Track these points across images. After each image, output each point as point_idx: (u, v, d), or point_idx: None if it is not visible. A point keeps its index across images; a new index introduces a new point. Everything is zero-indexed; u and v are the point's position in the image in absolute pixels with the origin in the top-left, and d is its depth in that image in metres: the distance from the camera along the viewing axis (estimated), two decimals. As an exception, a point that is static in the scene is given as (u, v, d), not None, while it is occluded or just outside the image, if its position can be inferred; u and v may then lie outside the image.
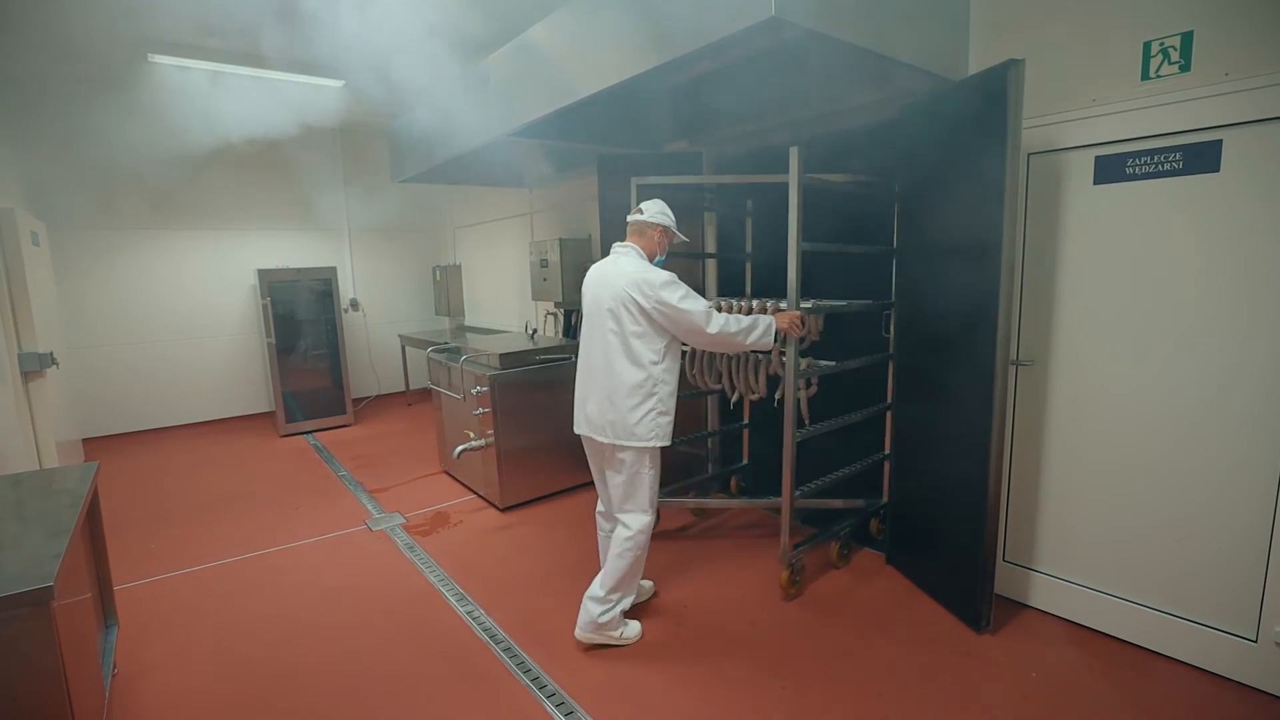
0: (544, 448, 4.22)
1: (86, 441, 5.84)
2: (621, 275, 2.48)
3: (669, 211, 2.65)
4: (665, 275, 2.45)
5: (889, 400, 3.16)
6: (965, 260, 2.58)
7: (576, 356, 4.24)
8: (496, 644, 2.66)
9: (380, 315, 7.43)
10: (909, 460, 3.06)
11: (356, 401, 7.04)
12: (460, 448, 4.10)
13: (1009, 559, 2.84)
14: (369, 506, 4.26)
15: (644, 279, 2.43)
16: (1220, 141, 2.12)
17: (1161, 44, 2.20)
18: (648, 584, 2.98)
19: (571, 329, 5.10)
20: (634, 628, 2.67)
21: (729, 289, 3.95)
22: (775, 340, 2.61)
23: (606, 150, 4.05)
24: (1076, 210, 2.48)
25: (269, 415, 6.77)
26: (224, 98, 5.28)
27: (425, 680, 2.46)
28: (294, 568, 3.42)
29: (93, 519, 2.44)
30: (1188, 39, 2.15)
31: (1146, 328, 2.35)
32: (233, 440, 6.08)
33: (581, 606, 2.60)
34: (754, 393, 3.10)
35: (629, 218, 2.68)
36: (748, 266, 3.90)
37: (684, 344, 2.64)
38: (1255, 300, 2.11)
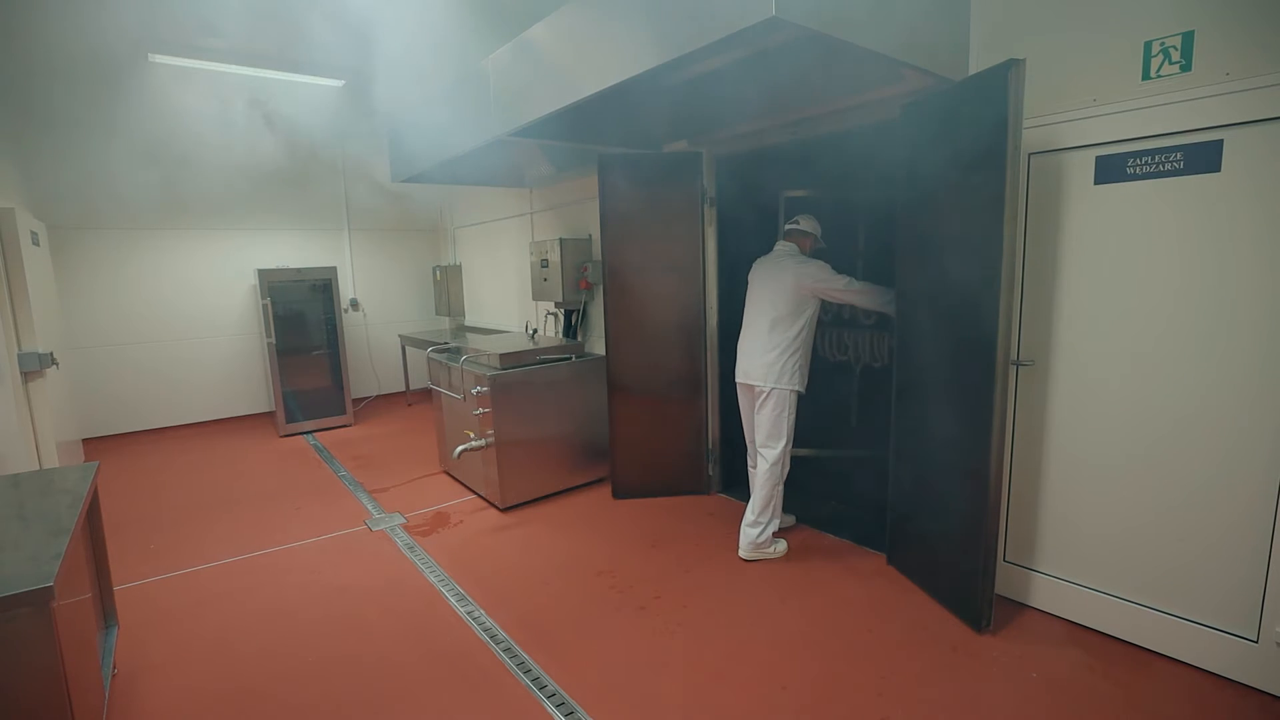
0: (544, 448, 4.22)
1: (86, 441, 5.84)
2: (787, 266, 3.28)
3: (818, 224, 3.44)
4: (819, 261, 3.29)
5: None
6: (966, 260, 2.58)
7: (575, 357, 4.31)
8: (497, 644, 2.66)
9: (380, 315, 7.43)
10: (910, 460, 3.06)
11: (356, 401, 7.03)
12: (460, 448, 4.10)
13: (1009, 559, 2.84)
14: (369, 506, 4.26)
15: (806, 269, 3.25)
16: (1221, 141, 2.12)
17: (1162, 44, 2.20)
18: (790, 517, 3.69)
19: (572, 329, 5.10)
20: (783, 545, 3.39)
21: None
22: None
23: (606, 150, 4.05)
24: (1077, 210, 2.47)
25: (269, 415, 6.77)
26: (224, 97, 5.29)
27: (425, 680, 2.46)
28: (294, 568, 3.41)
29: (93, 519, 2.44)
30: (1189, 39, 2.14)
31: (1147, 327, 2.35)
32: (233, 440, 6.08)
33: (740, 534, 3.33)
34: (877, 361, 3.90)
35: (787, 225, 3.47)
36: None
37: (830, 303, 3.40)
38: (1257, 298, 2.10)
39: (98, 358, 5.94)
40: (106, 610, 2.57)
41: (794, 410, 3.27)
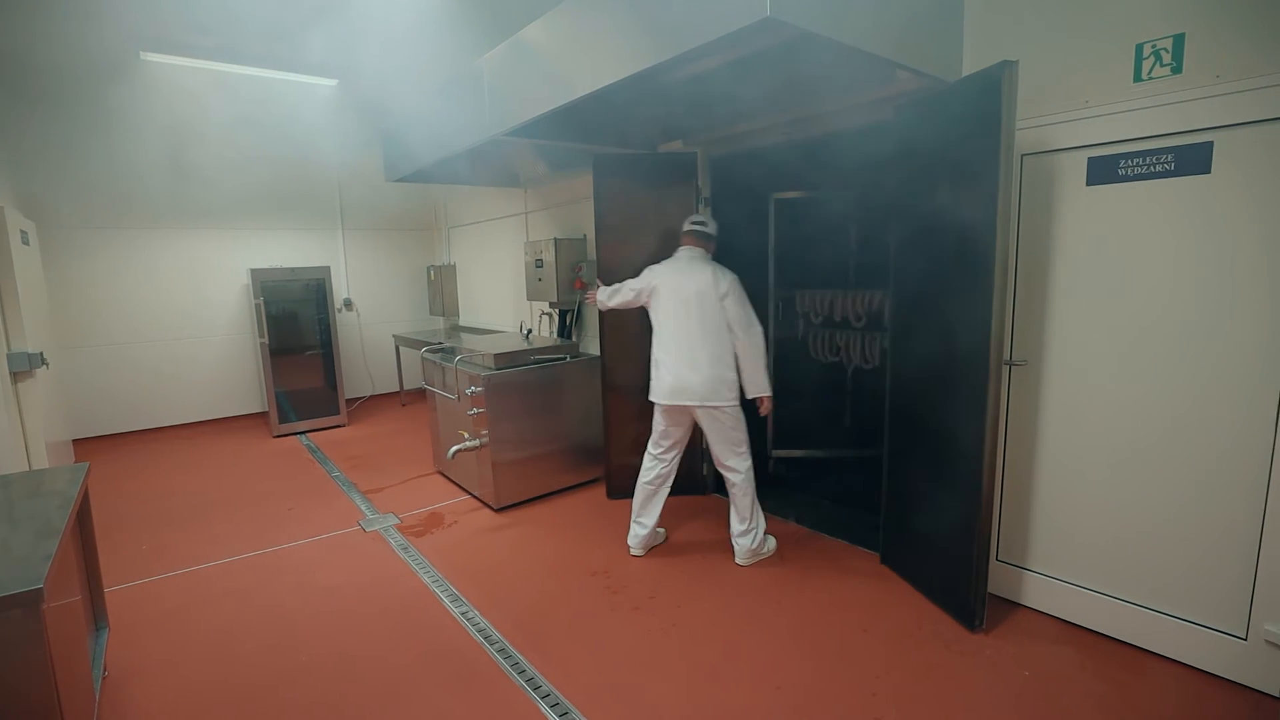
0: (539, 448, 4.21)
1: (77, 442, 5.80)
2: (705, 272, 3.11)
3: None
4: (734, 275, 3.13)
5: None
6: (959, 260, 2.59)
7: (570, 357, 4.28)
8: (491, 645, 2.66)
9: (374, 315, 7.40)
10: (903, 459, 3.07)
11: (350, 402, 7.01)
12: (454, 448, 4.09)
13: (1002, 558, 2.85)
14: (363, 507, 4.25)
15: (727, 278, 3.10)
16: (1211, 143, 2.13)
17: (1154, 46, 2.21)
18: (662, 531, 3.55)
19: (566, 329, 5.10)
20: (772, 542, 3.39)
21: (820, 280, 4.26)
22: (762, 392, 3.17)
23: (601, 150, 4.05)
24: (1069, 211, 2.49)
25: (262, 416, 6.73)
26: (217, 96, 5.25)
27: (419, 681, 2.45)
28: (287, 569, 3.40)
29: (83, 520, 2.42)
30: (1179, 41, 2.16)
31: (1138, 327, 2.36)
32: (225, 441, 6.05)
33: (734, 544, 3.26)
34: (868, 362, 3.89)
35: (691, 225, 3.27)
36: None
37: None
38: (1245, 300, 2.12)
39: (89, 357, 5.89)
40: (97, 612, 2.55)
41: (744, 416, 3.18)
